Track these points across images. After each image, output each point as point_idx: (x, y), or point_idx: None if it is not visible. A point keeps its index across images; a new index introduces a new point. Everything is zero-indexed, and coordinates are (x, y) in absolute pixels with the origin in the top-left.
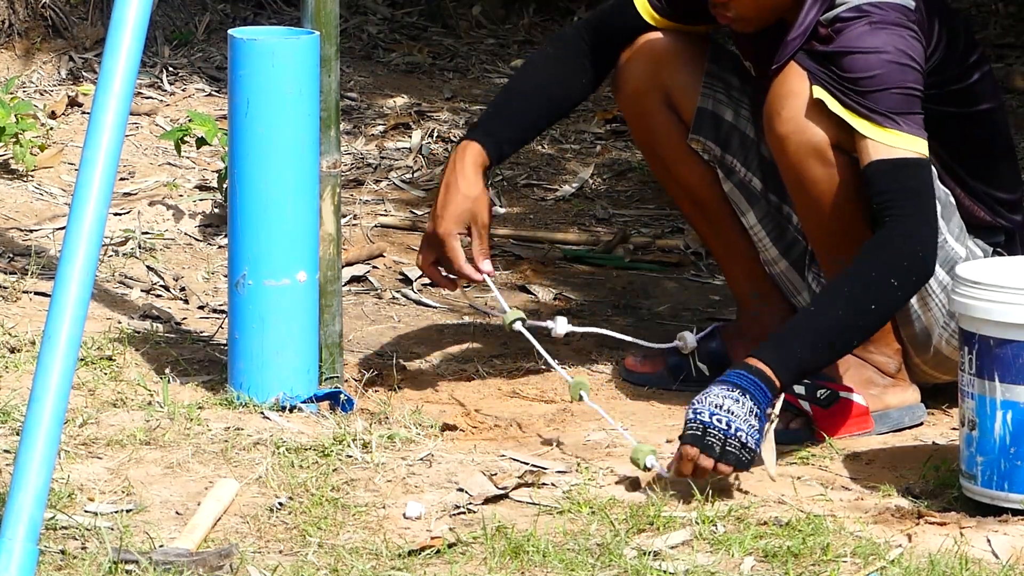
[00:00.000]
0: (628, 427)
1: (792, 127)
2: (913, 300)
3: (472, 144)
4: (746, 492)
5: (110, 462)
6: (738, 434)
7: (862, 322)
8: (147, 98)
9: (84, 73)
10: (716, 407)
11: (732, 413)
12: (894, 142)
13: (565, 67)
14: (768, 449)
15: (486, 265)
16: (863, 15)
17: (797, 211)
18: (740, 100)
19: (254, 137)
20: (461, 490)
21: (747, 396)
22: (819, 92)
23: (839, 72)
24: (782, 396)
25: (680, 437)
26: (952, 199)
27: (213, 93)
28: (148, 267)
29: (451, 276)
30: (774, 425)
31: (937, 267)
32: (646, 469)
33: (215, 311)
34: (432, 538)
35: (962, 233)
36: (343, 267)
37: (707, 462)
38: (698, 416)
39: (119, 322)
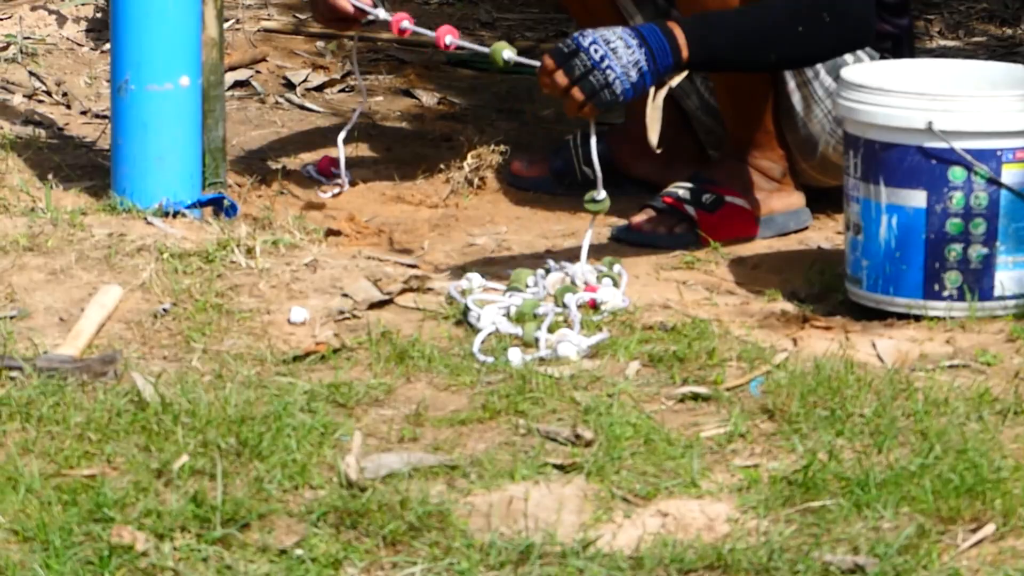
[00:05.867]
0: (513, 230)
1: None
2: (798, 106)
3: None
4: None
5: None
6: (607, 71)
7: (785, 42)
8: None
9: None
10: (602, 39)
11: (615, 52)
12: None
13: None
14: (653, 118)
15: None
16: None
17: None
18: None
19: None
20: (346, 295)
21: (643, 49)
22: None
23: None
24: (683, 73)
25: (547, 51)
26: None
27: None
28: (30, 72)
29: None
30: (664, 92)
31: (823, 73)
32: (505, 64)
33: (98, 116)
34: (317, 343)
35: None
36: (226, 72)
37: (563, 80)
38: (577, 39)
39: (0, 128)
